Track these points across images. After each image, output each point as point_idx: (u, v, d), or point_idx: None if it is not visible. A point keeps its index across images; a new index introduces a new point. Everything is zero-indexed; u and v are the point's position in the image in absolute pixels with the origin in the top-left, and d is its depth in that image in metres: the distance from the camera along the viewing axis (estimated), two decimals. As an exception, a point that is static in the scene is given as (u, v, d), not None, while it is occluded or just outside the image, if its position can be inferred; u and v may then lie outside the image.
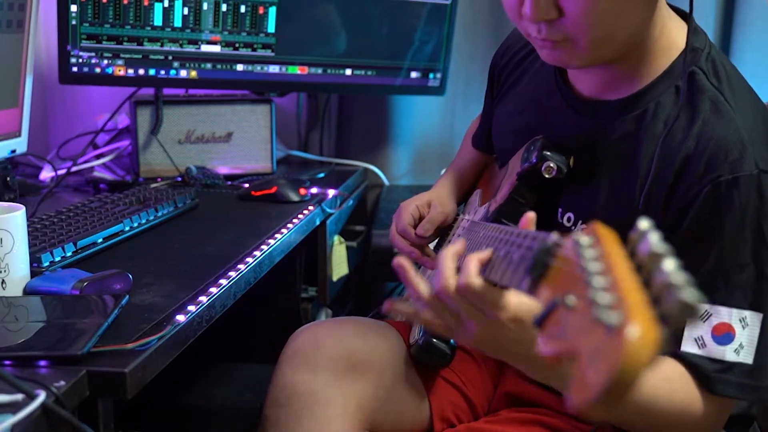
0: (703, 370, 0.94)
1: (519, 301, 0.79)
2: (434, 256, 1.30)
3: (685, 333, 0.93)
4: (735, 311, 0.93)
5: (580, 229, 1.03)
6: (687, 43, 0.99)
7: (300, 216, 1.51)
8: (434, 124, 2.21)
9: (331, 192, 1.71)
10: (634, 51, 1.01)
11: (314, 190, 1.68)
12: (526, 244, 0.69)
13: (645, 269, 0.50)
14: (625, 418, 0.96)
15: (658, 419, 0.94)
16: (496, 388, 1.24)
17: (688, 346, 0.93)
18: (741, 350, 0.93)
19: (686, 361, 0.94)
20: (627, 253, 0.53)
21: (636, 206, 0.98)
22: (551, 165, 1.04)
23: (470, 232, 1.03)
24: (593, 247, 0.54)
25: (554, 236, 0.62)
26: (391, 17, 1.92)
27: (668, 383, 0.93)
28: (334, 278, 1.76)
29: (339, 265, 1.78)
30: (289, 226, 1.43)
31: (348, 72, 1.92)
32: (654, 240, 0.51)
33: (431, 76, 2.01)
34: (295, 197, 1.61)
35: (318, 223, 1.62)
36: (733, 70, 1.03)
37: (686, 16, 1.04)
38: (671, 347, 0.86)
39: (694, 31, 1.01)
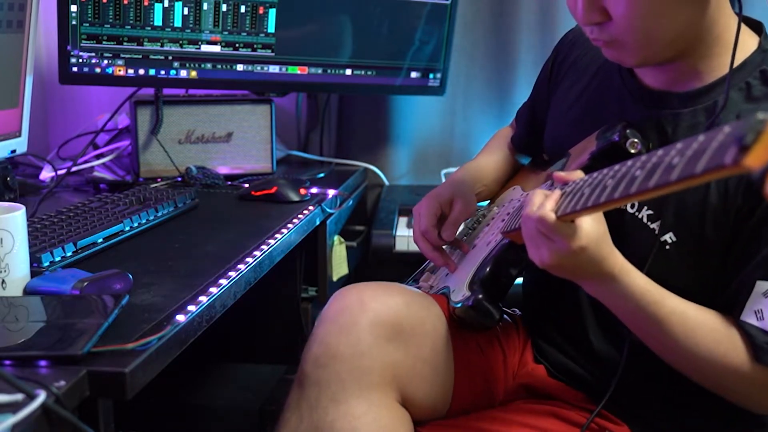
0: (756, 340, 0.98)
1: (587, 231, 0.93)
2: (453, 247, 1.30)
3: (747, 304, 0.98)
4: None
5: (645, 216, 1.08)
6: (736, 42, 1.03)
7: (300, 216, 1.51)
8: (434, 124, 2.21)
9: (331, 192, 1.71)
10: (695, 48, 1.04)
11: (314, 190, 1.68)
12: (699, 140, 0.70)
13: None
14: (673, 355, 1.03)
15: (701, 365, 1.01)
16: (513, 379, 1.24)
17: (747, 317, 0.98)
18: None
19: (744, 330, 0.99)
20: None
21: (710, 195, 1.02)
22: (636, 141, 1.05)
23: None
24: None
25: (762, 114, 0.64)
26: (391, 17, 1.92)
27: (716, 336, 1.00)
28: (334, 278, 1.76)
29: (339, 265, 1.78)
30: (289, 226, 1.43)
31: (348, 72, 1.92)
32: None
33: (431, 76, 2.01)
34: (295, 197, 1.62)
35: (318, 223, 1.62)
36: None
37: (747, 20, 1.08)
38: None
39: (765, 36, 1.07)
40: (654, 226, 1.05)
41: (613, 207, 0.88)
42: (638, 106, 1.12)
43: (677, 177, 0.71)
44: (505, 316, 1.32)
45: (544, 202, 0.94)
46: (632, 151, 1.04)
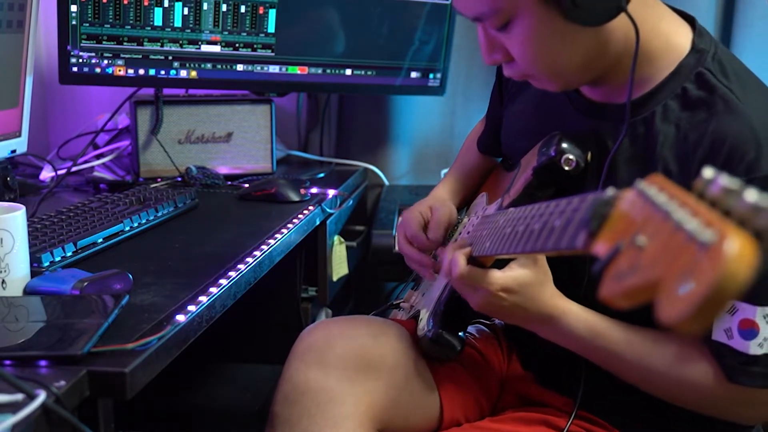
0: (727, 360, 0.97)
1: (503, 274, 0.97)
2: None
3: (715, 323, 0.97)
4: (759, 309, 0.94)
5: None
6: (636, 45, 0.99)
7: (300, 216, 1.51)
8: (434, 124, 2.21)
9: (331, 192, 1.71)
10: (620, 63, 1.01)
11: (314, 190, 1.68)
12: (570, 208, 0.71)
13: (720, 205, 0.51)
14: (634, 380, 1.04)
15: (664, 388, 1.03)
16: (502, 389, 1.24)
17: (718, 336, 0.97)
18: (765, 343, 0.95)
19: (714, 349, 0.97)
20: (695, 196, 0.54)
21: None
22: (570, 157, 1.04)
23: (484, 224, 1.03)
24: (660, 192, 0.55)
25: (611, 190, 0.63)
26: (391, 17, 1.92)
27: (667, 360, 1.00)
28: (334, 278, 1.76)
29: (339, 265, 1.78)
30: (289, 226, 1.43)
31: (348, 72, 1.92)
32: (726, 179, 0.52)
33: (431, 76, 2.01)
34: (295, 197, 1.62)
35: (318, 223, 1.62)
36: (743, 68, 1.04)
37: (688, 18, 1.06)
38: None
39: (698, 33, 1.03)
40: None
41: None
42: (580, 116, 1.10)
43: (551, 246, 0.72)
44: (482, 327, 1.32)
45: (454, 259, 0.99)
46: (566, 168, 1.04)
